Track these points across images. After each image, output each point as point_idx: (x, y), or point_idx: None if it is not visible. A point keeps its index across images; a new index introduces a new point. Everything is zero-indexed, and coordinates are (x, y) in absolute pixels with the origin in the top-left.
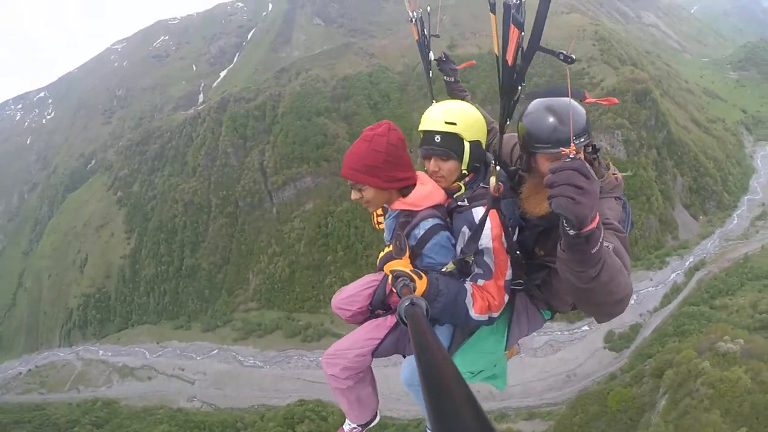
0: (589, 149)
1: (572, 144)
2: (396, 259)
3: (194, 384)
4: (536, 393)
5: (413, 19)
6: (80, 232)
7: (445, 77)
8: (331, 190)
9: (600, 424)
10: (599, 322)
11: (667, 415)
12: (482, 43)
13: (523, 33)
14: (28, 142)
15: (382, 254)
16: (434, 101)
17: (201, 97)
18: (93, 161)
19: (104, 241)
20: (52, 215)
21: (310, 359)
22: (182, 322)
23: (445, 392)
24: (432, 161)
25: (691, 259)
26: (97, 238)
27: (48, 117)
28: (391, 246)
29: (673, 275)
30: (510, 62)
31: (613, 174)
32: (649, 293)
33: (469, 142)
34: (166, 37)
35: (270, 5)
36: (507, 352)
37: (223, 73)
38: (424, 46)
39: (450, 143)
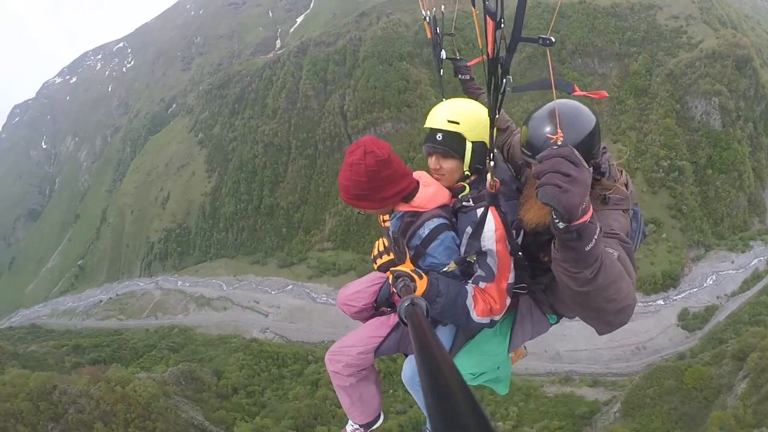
0: (599, 165)
1: (559, 131)
2: (398, 265)
3: (268, 316)
4: (603, 361)
5: (427, 18)
6: (162, 171)
7: (459, 75)
8: (411, 136)
9: (674, 399)
10: (600, 333)
11: (747, 398)
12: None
13: (503, 24)
14: (109, 89)
15: (381, 261)
16: (443, 99)
17: (278, 43)
18: (174, 105)
19: (185, 179)
20: (135, 156)
21: None
22: (259, 258)
23: (444, 393)
24: (433, 158)
25: None
26: (179, 177)
27: (128, 66)
28: (392, 254)
29: (756, 261)
30: (490, 55)
31: (624, 184)
32: (729, 276)
33: (472, 142)
34: None
35: None
36: (512, 354)
37: (299, 19)
38: (436, 44)
39: (451, 142)
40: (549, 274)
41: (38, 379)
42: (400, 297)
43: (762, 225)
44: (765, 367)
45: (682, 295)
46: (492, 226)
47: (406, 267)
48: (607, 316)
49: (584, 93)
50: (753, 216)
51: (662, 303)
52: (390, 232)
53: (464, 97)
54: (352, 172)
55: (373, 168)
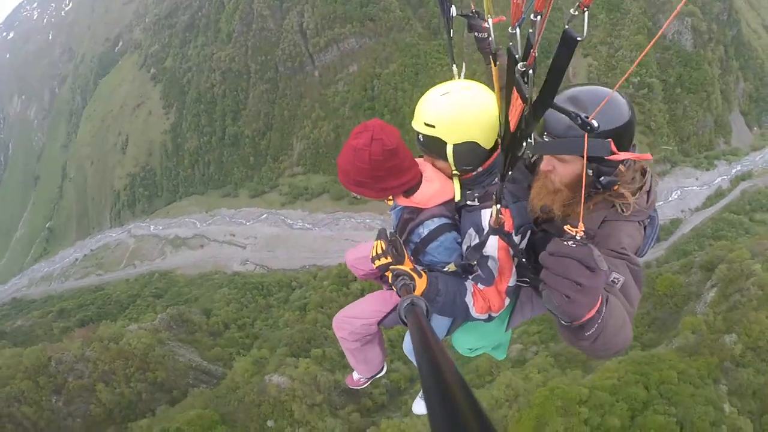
0: (607, 171)
1: (581, 222)
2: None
3: (246, 248)
4: None
5: None
6: (117, 114)
7: (476, 33)
8: (376, 51)
9: (646, 305)
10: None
11: (716, 306)
12: None
13: (531, 101)
14: (50, 37)
15: (379, 263)
16: (454, 66)
17: None
18: (120, 43)
19: (142, 120)
20: (86, 104)
21: (357, 220)
22: (229, 190)
23: (445, 392)
24: (426, 157)
25: (738, 168)
26: (135, 118)
27: (66, 8)
28: (389, 257)
29: (719, 179)
30: (512, 129)
31: (647, 191)
32: (693, 192)
33: (453, 145)
34: None
35: None
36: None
37: None
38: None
39: (431, 146)
40: None
41: (32, 354)
42: (399, 296)
43: (727, 146)
44: (733, 277)
45: None
46: (495, 241)
47: (406, 266)
48: (599, 357)
49: (625, 155)
50: (719, 137)
51: None
52: (387, 233)
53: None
54: (355, 158)
55: (378, 157)
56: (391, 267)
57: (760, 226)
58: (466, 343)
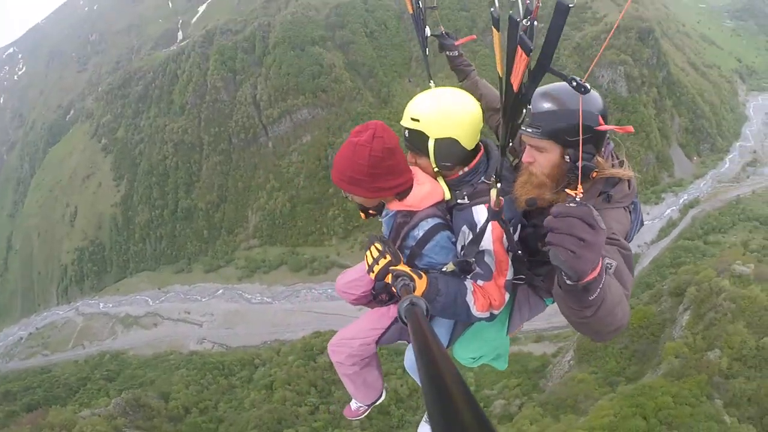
0: (590, 155)
1: (579, 185)
2: (396, 265)
3: (202, 326)
4: (543, 316)
5: None
6: (66, 185)
7: (446, 52)
8: (329, 121)
9: (623, 339)
10: (596, 341)
11: (693, 327)
12: None
13: (530, 57)
14: (1, 101)
15: (379, 266)
16: (432, 82)
17: (180, 35)
18: (72, 111)
19: (92, 191)
20: (35, 172)
21: (318, 291)
22: (183, 266)
23: (445, 393)
24: (410, 154)
25: (685, 197)
26: (85, 189)
27: (19, 73)
28: (388, 256)
29: (669, 210)
30: (516, 88)
31: (628, 180)
32: (646, 226)
33: (435, 139)
34: None
35: None
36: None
37: (202, 8)
38: (419, 19)
39: (415, 140)
40: (547, 266)
41: None
42: (399, 297)
43: (671, 178)
44: (704, 297)
45: None
46: (490, 228)
47: (405, 267)
48: (601, 335)
49: (609, 127)
50: (662, 171)
51: None
52: (379, 237)
53: (454, 71)
54: (355, 154)
55: (378, 154)
56: (390, 268)
57: (715, 247)
58: (467, 351)
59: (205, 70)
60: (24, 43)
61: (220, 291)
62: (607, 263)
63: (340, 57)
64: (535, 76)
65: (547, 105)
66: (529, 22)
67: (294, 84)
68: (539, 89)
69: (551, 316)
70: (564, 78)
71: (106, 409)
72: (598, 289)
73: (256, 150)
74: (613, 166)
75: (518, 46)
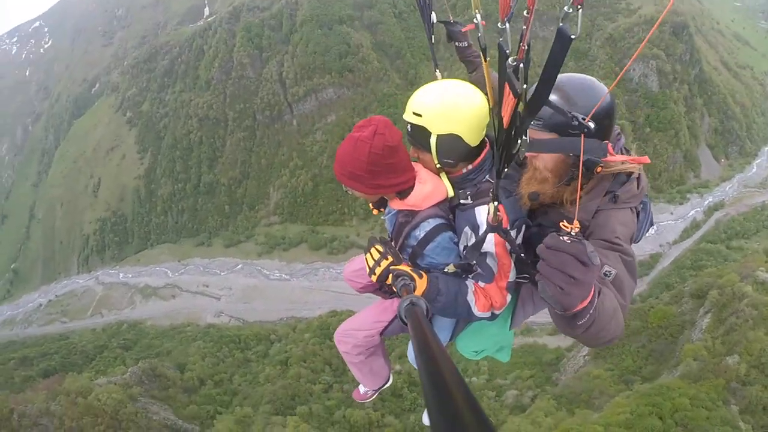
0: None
1: (575, 220)
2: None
3: (220, 299)
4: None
5: None
6: (90, 157)
7: (455, 42)
8: (354, 101)
9: (641, 338)
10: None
11: (713, 331)
12: None
13: (526, 97)
14: (27, 74)
15: (381, 268)
16: (437, 71)
17: (206, 11)
18: (97, 85)
19: (116, 163)
20: (59, 144)
21: (337, 271)
22: (203, 239)
23: (445, 393)
24: (412, 149)
25: (710, 199)
26: (109, 161)
27: (45, 46)
28: (390, 257)
29: (693, 212)
30: (505, 125)
31: (637, 177)
32: (669, 226)
33: (437, 135)
34: None
35: None
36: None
37: None
38: (425, 7)
39: (417, 135)
40: None
41: None
42: (400, 297)
43: (697, 179)
44: (725, 302)
45: None
46: (492, 237)
47: (406, 267)
48: (593, 345)
49: (621, 158)
50: (689, 171)
51: None
52: (379, 238)
53: (463, 62)
54: (355, 149)
55: (378, 152)
56: (391, 268)
57: (737, 252)
58: (470, 345)
59: (232, 47)
60: (50, 17)
61: (239, 266)
62: (606, 271)
63: (367, 37)
64: (531, 110)
65: (554, 97)
66: (515, 63)
67: (320, 63)
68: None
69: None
70: (564, 115)
71: (122, 378)
72: (588, 315)
73: (280, 127)
74: (623, 162)
75: (507, 87)
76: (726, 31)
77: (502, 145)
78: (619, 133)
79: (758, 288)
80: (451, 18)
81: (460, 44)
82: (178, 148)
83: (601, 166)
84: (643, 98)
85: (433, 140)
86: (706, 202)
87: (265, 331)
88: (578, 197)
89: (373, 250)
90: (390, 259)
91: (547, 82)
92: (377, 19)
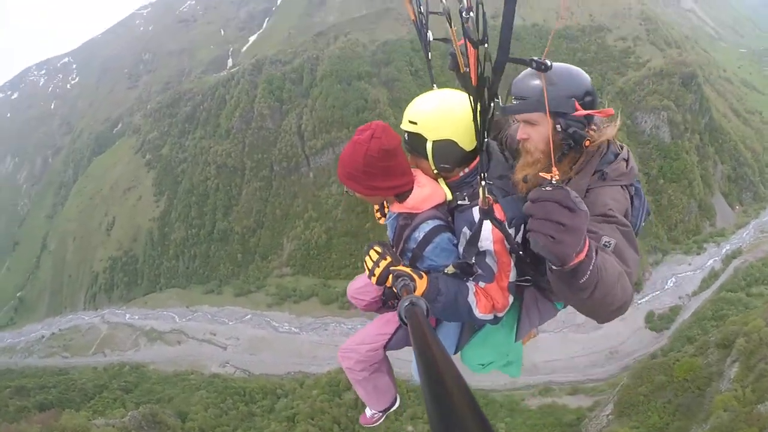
0: (573, 130)
1: (554, 167)
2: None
3: (227, 349)
4: (579, 368)
5: None
6: (107, 195)
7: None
8: None
9: (667, 393)
10: (599, 323)
11: (742, 380)
12: (526, 14)
13: (486, 44)
14: (52, 107)
15: (380, 268)
16: (434, 86)
17: (230, 62)
18: (119, 125)
19: (132, 204)
20: (77, 179)
21: (348, 327)
22: (213, 287)
23: (445, 394)
24: (410, 157)
25: (727, 247)
26: (125, 200)
27: (72, 82)
28: (389, 257)
29: (711, 261)
30: (474, 82)
31: (625, 159)
32: (687, 277)
33: (433, 141)
34: (193, 2)
35: None
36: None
37: (252, 38)
38: (421, 26)
39: (414, 143)
40: None
41: None
42: (400, 297)
43: (713, 228)
44: (753, 349)
45: (646, 298)
46: (488, 227)
47: (405, 267)
48: (603, 315)
49: (588, 112)
50: (704, 220)
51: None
52: (377, 242)
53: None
54: (353, 151)
55: (374, 155)
56: (391, 269)
57: (758, 299)
58: (475, 357)
59: (253, 98)
60: (79, 54)
61: (248, 316)
62: (606, 242)
63: (384, 93)
64: (496, 69)
65: (535, 82)
66: (469, 15)
67: (338, 117)
68: (528, 71)
69: (588, 368)
70: (524, 62)
71: (121, 421)
72: (588, 272)
73: (296, 179)
74: (607, 143)
75: (466, 41)
76: (733, 77)
77: (479, 112)
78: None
79: None
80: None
81: (466, 69)
82: (194, 193)
83: (589, 140)
84: (656, 150)
85: (429, 146)
86: (724, 251)
87: (272, 385)
88: (551, 153)
89: (371, 252)
90: (389, 259)
91: (505, 37)
92: (394, 76)
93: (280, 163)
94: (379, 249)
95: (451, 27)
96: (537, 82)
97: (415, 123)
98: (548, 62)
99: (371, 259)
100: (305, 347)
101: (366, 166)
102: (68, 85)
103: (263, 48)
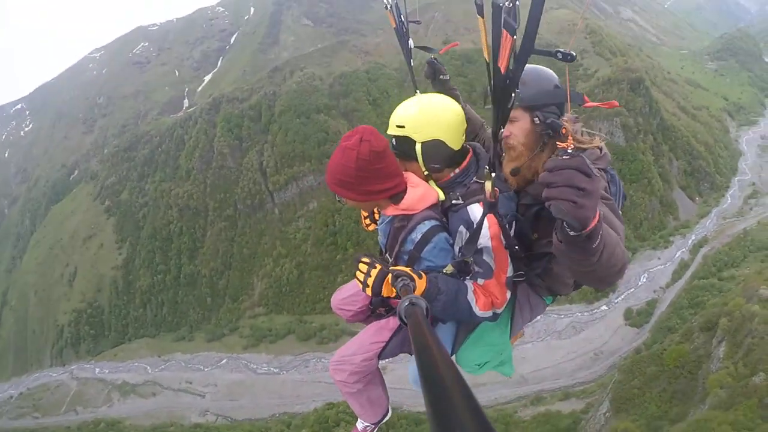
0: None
1: (570, 137)
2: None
3: (205, 397)
4: (567, 373)
5: (388, 6)
6: (67, 244)
7: (440, 76)
8: None
9: (660, 383)
10: (599, 290)
11: (732, 357)
12: (478, 39)
13: (515, 37)
14: (6, 155)
15: (374, 275)
16: (417, 91)
17: (186, 102)
18: (76, 171)
19: (93, 252)
20: (35, 229)
21: (328, 361)
22: (184, 333)
23: (444, 392)
24: (399, 162)
25: (693, 237)
26: (86, 249)
27: (26, 129)
28: (378, 265)
29: (679, 253)
30: (503, 70)
31: (598, 147)
32: (659, 271)
33: (422, 143)
34: (146, 44)
35: (252, 9)
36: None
37: (207, 77)
38: (402, 33)
39: (402, 146)
40: (544, 259)
41: None
42: (399, 297)
43: (677, 221)
44: (737, 327)
45: (622, 296)
46: (487, 224)
47: (404, 267)
48: (608, 279)
49: (595, 104)
50: (667, 215)
51: (606, 308)
52: (363, 253)
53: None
54: (343, 157)
55: (365, 157)
56: (390, 269)
57: (730, 282)
58: (472, 358)
59: (212, 137)
60: (32, 100)
61: (224, 360)
62: (606, 226)
63: (344, 124)
64: (520, 58)
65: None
66: (511, 4)
67: (300, 151)
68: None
69: (575, 372)
70: (550, 54)
71: None
72: (600, 234)
73: (262, 216)
74: (582, 134)
75: (503, 30)
76: (678, 78)
77: (499, 100)
78: (576, 118)
79: (765, 305)
80: (434, 59)
81: (443, 77)
82: (157, 238)
83: (565, 128)
84: (613, 154)
85: (418, 148)
86: (690, 241)
87: (257, 429)
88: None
89: (360, 264)
90: (379, 267)
91: (532, 30)
92: (353, 107)
93: (243, 202)
94: (367, 259)
95: (481, 17)
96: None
97: (403, 126)
98: (573, 54)
99: (361, 271)
100: (287, 387)
101: (358, 171)
102: (22, 132)
103: (219, 87)
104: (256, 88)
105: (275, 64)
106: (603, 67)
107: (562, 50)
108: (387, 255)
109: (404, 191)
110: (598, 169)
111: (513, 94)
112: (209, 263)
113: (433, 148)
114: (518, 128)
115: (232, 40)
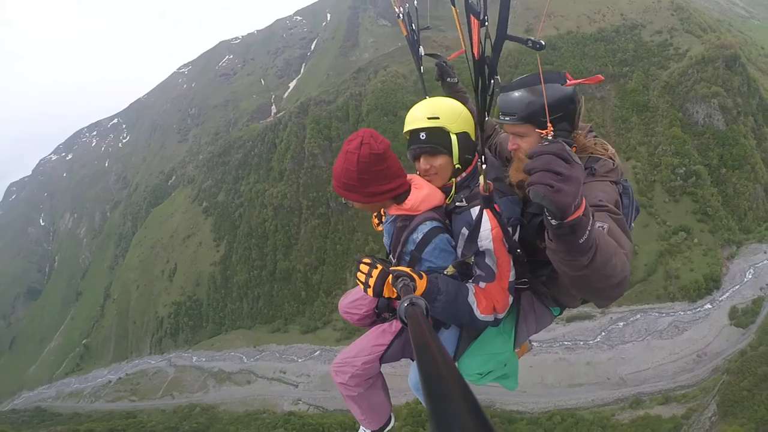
0: (563, 130)
1: (549, 125)
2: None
3: (298, 386)
4: (668, 376)
5: (401, 15)
6: (167, 243)
7: (447, 79)
8: None
9: None
10: (600, 306)
11: None
12: (560, 24)
13: (487, 22)
14: (106, 165)
15: (374, 277)
16: (427, 96)
17: (273, 108)
18: (173, 177)
19: (192, 250)
20: (137, 230)
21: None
22: (279, 326)
23: (444, 393)
24: (422, 160)
25: None
26: (185, 248)
27: (123, 141)
28: (379, 266)
29: None
30: (476, 56)
31: (611, 158)
32: (765, 266)
33: (455, 134)
34: (231, 56)
35: (328, 15)
36: (517, 350)
37: (292, 83)
38: (413, 41)
39: (436, 138)
40: (549, 267)
41: None
42: (400, 298)
43: None
44: None
45: (727, 294)
46: (488, 225)
47: (404, 267)
48: (605, 292)
49: (578, 81)
50: None
51: (710, 306)
52: (363, 255)
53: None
54: (345, 161)
55: (366, 160)
56: (390, 269)
57: None
58: (473, 366)
59: (302, 139)
60: (127, 114)
61: (317, 352)
62: (600, 225)
63: None
64: (496, 46)
65: (517, 93)
66: None
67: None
68: (507, 84)
69: (677, 374)
70: (520, 41)
71: None
72: (587, 231)
73: (353, 213)
74: (595, 144)
75: (470, 15)
76: None
77: (481, 88)
78: (591, 129)
79: None
80: (444, 61)
81: (450, 80)
82: (253, 236)
83: (575, 147)
84: (713, 139)
85: (454, 138)
86: None
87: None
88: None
89: (361, 266)
90: (380, 267)
91: (504, 16)
92: None
93: (336, 200)
94: (368, 260)
95: (453, 6)
96: (518, 95)
97: (437, 117)
98: (542, 42)
99: (362, 272)
100: None
101: (360, 173)
102: (120, 144)
103: (305, 91)
104: (342, 90)
105: (358, 66)
106: (695, 45)
107: (531, 39)
108: (391, 256)
109: (408, 192)
110: (611, 181)
111: (492, 81)
112: (303, 259)
113: (464, 139)
114: (527, 143)
115: (313, 46)
